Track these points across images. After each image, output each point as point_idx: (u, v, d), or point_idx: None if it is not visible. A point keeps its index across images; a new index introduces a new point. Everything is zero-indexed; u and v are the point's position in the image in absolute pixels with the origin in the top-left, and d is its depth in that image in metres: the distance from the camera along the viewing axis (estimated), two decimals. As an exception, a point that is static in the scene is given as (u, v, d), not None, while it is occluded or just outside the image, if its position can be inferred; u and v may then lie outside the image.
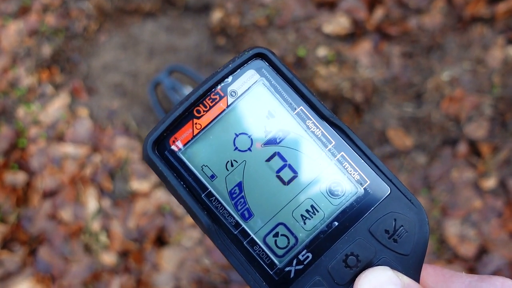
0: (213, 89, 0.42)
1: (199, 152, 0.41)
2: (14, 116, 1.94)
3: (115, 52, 2.08)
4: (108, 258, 1.75)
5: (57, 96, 1.97)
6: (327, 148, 0.42)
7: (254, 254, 0.40)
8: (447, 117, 1.76)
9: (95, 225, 1.79)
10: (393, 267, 0.37)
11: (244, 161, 0.41)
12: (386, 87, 1.83)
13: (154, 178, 1.81)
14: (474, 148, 1.70)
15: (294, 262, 0.40)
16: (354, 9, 1.95)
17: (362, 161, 0.41)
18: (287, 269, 0.40)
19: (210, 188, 0.41)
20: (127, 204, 1.79)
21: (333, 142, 0.42)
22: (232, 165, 0.41)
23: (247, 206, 0.41)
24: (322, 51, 1.93)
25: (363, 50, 1.90)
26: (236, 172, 0.41)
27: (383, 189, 0.41)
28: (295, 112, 0.42)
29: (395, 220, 0.40)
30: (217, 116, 0.41)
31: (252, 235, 0.40)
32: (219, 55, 2.05)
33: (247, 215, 0.41)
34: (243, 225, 0.40)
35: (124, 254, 1.76)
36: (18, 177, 1.88)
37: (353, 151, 0.42)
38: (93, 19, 2.04)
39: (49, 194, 1.87)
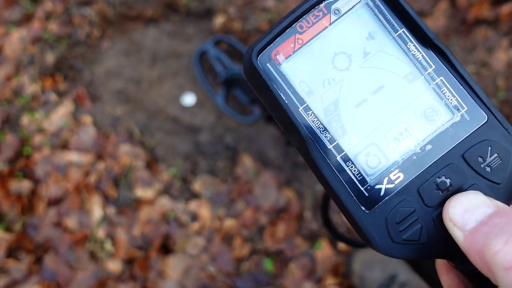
0: (317, 6, 0.41)
1: (299, 67, 0.42)
2: (18, 124, 1.95)
3: (117, 59, 2.09)
4: (114, 266, 1.75)
5: (60, 103, 1.98)
6: (427, 72, 0.41)
7: (347, 169, 0.40)
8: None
9: (100, 233, 1.80)
10: (485, 193, 0.37)
11: (342, 80, 0.41)
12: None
13: (158, 184, 1.82)
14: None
15: (385, 180, 0.40)
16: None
17: (461, 87, 0.41)
18: (377, 186, 0.40)
19: (307, 103, 0.41)
20: (132, 212, 1.80)
21: (433, 67, 0.41)
22: (329, 83, 0.41)
23: (341, 123, 0.41)
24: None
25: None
26: (333, 90, 0.41)
27: (480, 116, 0.40)
28: (396, 34, 0.42)
29: (490, 147, 0.39)
30: (318, 33, 0.41)
31: (346, 151, 0.41)
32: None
33: (341, 132, 0.41)
34: (337, 141, 0.41)
35: (129, 262, 1.76)
36: (23, 185, 1.89)
37: (452, 77, 0.41)
38: (95, 26, 2.05)
39: (54, 202, 1.88)
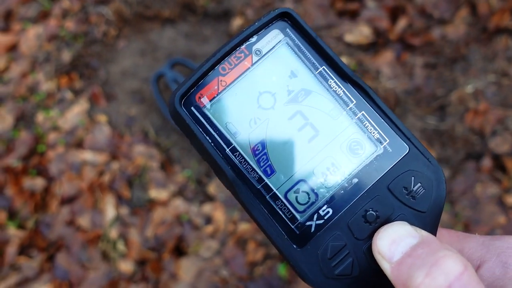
0: (238, 48, 0.42)
1: (224, 108, 0.42)
2: (33, 121, 1.96)
3: (133, 58, 2.09)
4: (126, 267, 1.75)
5: (76, 102, 1.98)
6: (348, 107, 0.42)
7: (276, 208, 0.41)
8: (471, 131, 1.74)
9: (113, 233, 1.80)
10: (411, 222, 0.38)
11: (267, 119, 0.42)
12: (409, 98, 1.82)
13: (173, 186, 1.82)
14: (498, 163, 1.69)
15: (315, 217, 0.40)
16: (376, 18, 1.94)
17: (382, 120, 0.42)
18: (308, 223, 0.40)
19: (234, 144, 0.41)
20: (145, 213, 1.80)
21: (354, 101, 0.42)
22: (255, 123, 0.42)
23: (269, 162, 0.41)
24: (343, 61, 1.91)
25: (385, 60, 1.89)
26: (259, 130, 0.42)
27: (402, 147, 0.42)
28: (317, 72, 0.43)
29: (413, 177, 0.40)
30: (241, 74, 0.42)
31: (275, 190, 0.41)
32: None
33: (269, 171, 0.41)
34: (266, 180, 0.41)
35: (141, 263, 1.76)
36: (36, 183, 1.90)
37: (373, 111, 0.42)
38: (112, 25, 2.05)
39: (67, 201, 1.88)
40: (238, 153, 0.41)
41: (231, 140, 0.42)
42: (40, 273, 1.82)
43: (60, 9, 2.09)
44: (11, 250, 1.84)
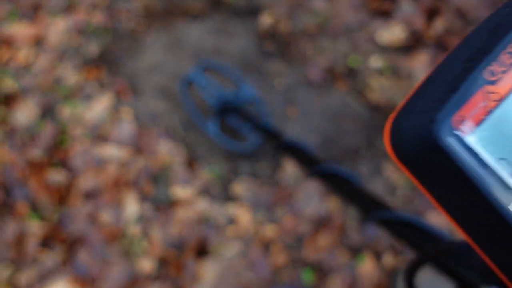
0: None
1: (496, 137, 0.25)
2: (58, 114, 1.95)
3: (161, 54, 2.08)
4: (147, 265, 1.73)
5: (102, 96, 1.97)
6: None
7: None
8: None
9: (135, 230, 1.78)
10: None
11: None
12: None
13: (197, 183, 1.79)
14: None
15: None
16: (411, 18, 1.89)
17: None
18: None
19: None
20: (168, 210, 1.77)
21: None
22: None
23: None
24: (375, 62, 1.87)
25: (420, 62, 1.84)
26: None
27: None
28: None
29: None
30: None
31: None
32: (266, 62, 2.02)
33: None
34: None
35: (163, 262, 1.74)
36: (60, 176, 1.89)
37: None
38: (140, 19, 2.04)
39: (90, 195, 1.87)
40: None
41: None
42: (60, 266, 1.81)
43: (89, 2, 2.09)
44: (32, 243, 1.84)
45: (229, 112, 1.63)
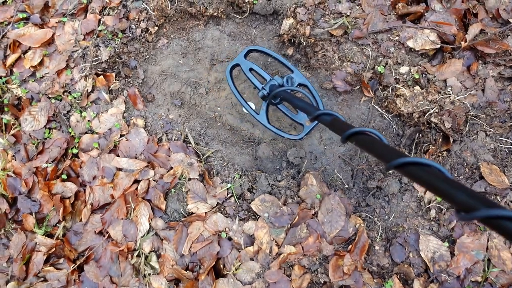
0: None
1: None
2: (66, 122, 1.85)
3: (173, 58, 1.97)
4: (158, 285, 1.63)
5: (111, 103, 1.87)
6: None
7: None
8: (556, 155, 1.54)
9: (145, 247, 1.68)
10: None
11: None
12: (480, 114, 1.63)
13: (211, 200, 1.68)
14: None
15: None
16: (444, 23, 1.75)
17: None
18: None
19: None
20: (181, 227, 1.67)
21: None
22: None
23: None
24: (405, 69, 1.74)
25: (453, 70, 1.70)
26: None
27: None
28: None
29: None
30: None
31: None
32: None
33: None
34: None
35: (175, 282, 1.63)
36: (67, 188, 1.79)
37: None
38: (152, 21, 1.93)
39: (98, 208, 1.77)
40: None
41: None
42: (67, 285, 1.71)
43: (98, 5, 1.98)
44: (37, 258, 1.74)
45: (279, 98, 1.53)
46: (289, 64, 1.67)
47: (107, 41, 1.92)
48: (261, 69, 1.68)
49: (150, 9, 1.93)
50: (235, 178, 1.73)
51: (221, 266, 1.63)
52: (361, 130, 0.82)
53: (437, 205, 1.59)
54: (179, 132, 1.84)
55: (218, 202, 1.70)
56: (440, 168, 0.63)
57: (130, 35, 1.94)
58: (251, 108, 1.70)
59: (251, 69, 1.70)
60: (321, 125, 1.81)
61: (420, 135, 1.69)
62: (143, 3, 1.95)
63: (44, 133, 1.88)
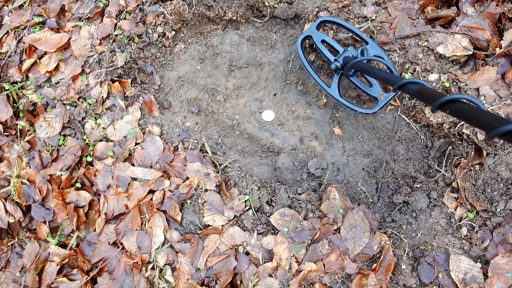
0: None
1: None
2: (81, 129, 1.83)
3: (191, 64, 1.92)
4: (173, 299, 1.58)
5: (126, 110, 1.84)
6: None
7: None
8: None
9: (160, 260, 1.64)
10: None
11: None
12: (516, 126, 1.52)
13: (228, 213, 1.62)
14: None
15: None
16: (476, 27, 1.66)
17: None
18: None
19: None
20: (197, 240, 1.61)
21: None
22: None
23: None
24: (434, 76, 1.65)
25: (486, 78, 1.61)
26: None
27: None
28: None
29: None
30: None
31: None
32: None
33: None
34: None
35: (190, 297, 1.58)
36: (81, 196, 1.76)
37: None
38: (169, 25, 1.88)
39: (112, 218, 1.73)
40: None
41: None
42: (79, 297, 1.68)
43: (115, 9, 1.95)
44: (51, 269, 1.72)
45: (353, 69, 1.49)
46: (364, 36, 1.63)
47: (123, 46, 1.89)
48: (334, 40, 1.63)
49: (168, 13, 1.89)
50: (253, 190, 1.67)
51: (238, 282, 1.57)
52: (456, 97, 0.77)
53: (469, 222, 1.51)
54: (195, 141, 1.80)
55: (235, 215, 1.64)
56: None
57: (147, 40, 1.90)
58: (322, 81, 1.64)
59: (323, 41, 1.66)
60: (345, 134, 1.74)
61: (451, 148, 1.60)
62: (160, 7, 1.91)
63: (59, 140, 1.85)
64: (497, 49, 1.63)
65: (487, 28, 1.68)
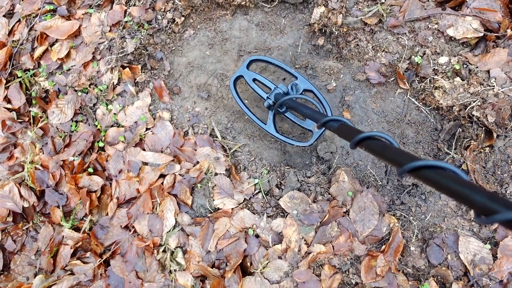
0: None
1: None
2: (92, 115, 1.88)
3: (200, 49, 1.96)
4: (184, 281, 1.64)
5: (137, 95, 1.88)
6: None
7: None
8: None
9: (171, 242, 1.69)
10: None
11: None
12: (528, 108, 1.54)
13: (238, 196, 1.67)
14: None
15: None
16: (487, 9, 1.67)
17: None
18: None
19: None
20: (207, 223, 1.66)
21: None
22: None
23: None
24: (444, 59, 1.67)
25: (497, 60, 1.62)
26: None
27: None
28: None
29: None
30: None
31: None
32: (317, 57, 1.86)
33: None
34: None
35: (201, 279, 1.63)
36: (93, 181, 1.82)
37: None
38: (179, 11, 1.92)
39: (124, 203, 1.79)
40: None
41: None
42: (93, 279, 1.74)
43: (124, -6, 1.99)
44: (65, 252, 1.78)
45: (285, 106, 1.54)
46: (292, 71, 1.67)
47: (133, 33, 1.93)
48: (265, 78, 1.67)
49: (176, -1, 1.92)
50: (262, 173, 1.72)
51: (248, 264, 1.62)
52: (371, 134, 0.81)
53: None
54: (205, 126, 1.84)
55: (245, 198, 1.69)
56: (455, 171, 0.62)
57: (156, 26, 1.94)
58: (258, 118, 1.70)
59: (254, 80, 1.70)
60: (354, 118, 1.77)
61: (461, 130, 1.62)
62: (169, -7, 1.95)
63: (71, 126, 1.91)
64: (508, 30, 1.64)
65: (498, 10, 1.69)
